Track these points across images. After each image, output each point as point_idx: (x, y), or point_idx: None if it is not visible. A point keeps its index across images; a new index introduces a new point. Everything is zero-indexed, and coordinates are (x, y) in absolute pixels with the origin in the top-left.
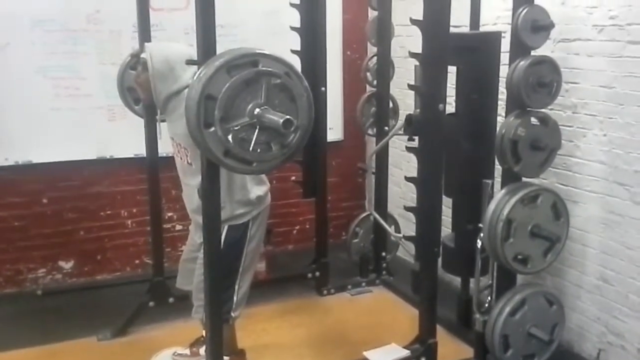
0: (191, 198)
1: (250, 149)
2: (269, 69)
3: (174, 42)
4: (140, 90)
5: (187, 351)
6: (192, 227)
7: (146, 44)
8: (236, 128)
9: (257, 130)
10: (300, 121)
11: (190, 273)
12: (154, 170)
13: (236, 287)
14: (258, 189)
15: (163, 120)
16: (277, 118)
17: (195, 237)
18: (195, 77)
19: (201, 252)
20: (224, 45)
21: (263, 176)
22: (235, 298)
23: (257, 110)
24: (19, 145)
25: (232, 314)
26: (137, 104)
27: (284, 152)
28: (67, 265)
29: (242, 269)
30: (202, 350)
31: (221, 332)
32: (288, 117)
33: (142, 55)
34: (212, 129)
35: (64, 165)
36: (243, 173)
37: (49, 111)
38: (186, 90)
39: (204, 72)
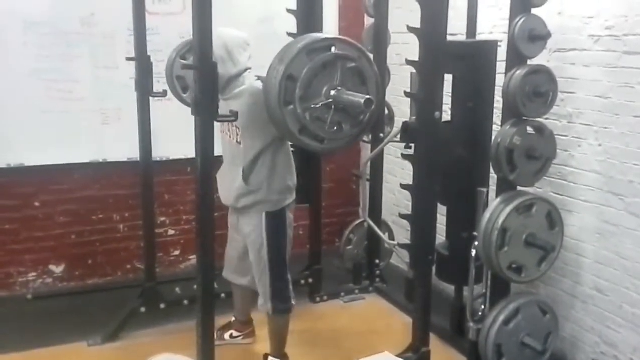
0: (233, 182)
1: (327, 127)
2: (345, 53)
3: (228, 28)
4: None
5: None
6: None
7: None
8: (317, 106)
9: (332, 110)
10: None
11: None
12: (147, 174)
13: (288, 277)
14: (293, 178)
15: None
16: (357, 98)
17: (242, 226)
18: (276, 59)
19: (249, 239)
20: None
21: (294, 168)
22: (290, 287)
23: (333, 91)
24: (11, 147)
25: (293, 302)
26: (185, 92)
27: (353, 132)
28: (58, 269)
29: (287, 257)
30: (227, 336)
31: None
32: (369, 96)
33: None
34: (291, 107)
35: (57, 169)
36: (313, 150)
37: (42, 114)
38: (246, 72)
39: (286, 54)
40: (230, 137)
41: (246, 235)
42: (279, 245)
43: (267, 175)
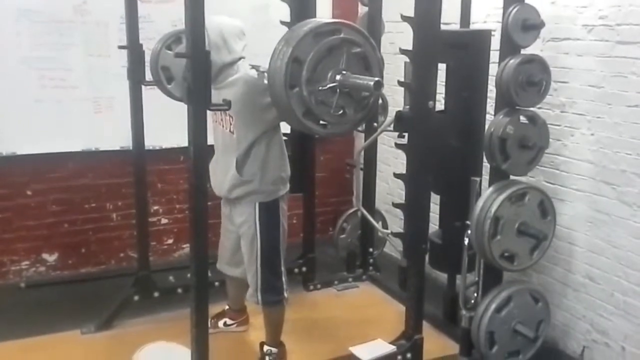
0: (226, 172)
1: (332, 111)
2: (351, 37)
3: (226, 16)
4: None
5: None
6: (223, 216)
7: None
8: (324, 88)
9: (337, 95)
10: None
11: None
12: (140, 163)
13: (282, 268)
14: (287, 169)
15: None
16: (366, 80)
17: (234, 216)
18: (281, 41)
19: (241, 229)
20: None
21: (287, 158)
22: (283, 278)
23: (339, 75)
24: (3, 136)
25: (285, 294)
26: (170, 82)
27: (357, 117)
28: (51, 257)
29: (282, 249)
30: (221, 324)
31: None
32: (378, 78)
33: None
34: (297, 89)
35: (49, 157)
36: (316, 134)
37: (34, 102)
38: (240, 61)
39: (292, 37)
40: (223, 126)
41: (239, 226)
42: (272, 236)
43: (261, 166)
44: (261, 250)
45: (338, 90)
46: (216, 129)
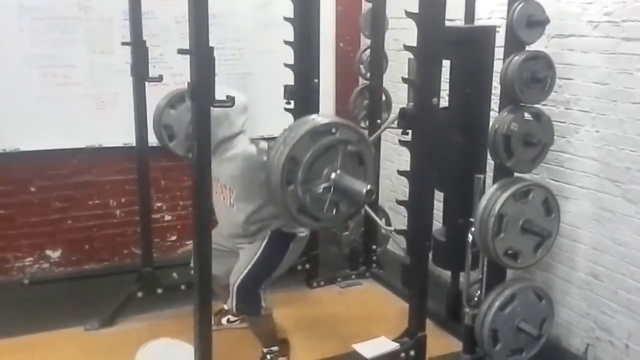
0: (230, 238)
1: (325, 209)
2: (347, 138)
3: (230, 88)
4: None
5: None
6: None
7: None
8: (319, 191)
9: (331, 192)
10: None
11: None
12: (143, 159)
13: (263, 285)
14: None
15: None
16: (358, 186)
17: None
18: (279, 139)
19: (238, 247)
20: (215, 35)
21: None
22: (263, 292)
23: (334, 174)
24: (7, 132)
25: (263, 304)
26: (172, 140)
27: (350, 212)
28: (54, 254)
29: (273, 277)
30: (224, 320)
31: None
32: (370, 187)
33: None
34: (292, 187)
35: (53, 154)
36: (309, 228)
37: (38, 99)
38: (240, 135)
39: (290, 137)
40: (224, 199)
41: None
42: (270, 263)
43: (272, 215)
44: (251, 270)
45: (332, 188)
46: (218, 201)
